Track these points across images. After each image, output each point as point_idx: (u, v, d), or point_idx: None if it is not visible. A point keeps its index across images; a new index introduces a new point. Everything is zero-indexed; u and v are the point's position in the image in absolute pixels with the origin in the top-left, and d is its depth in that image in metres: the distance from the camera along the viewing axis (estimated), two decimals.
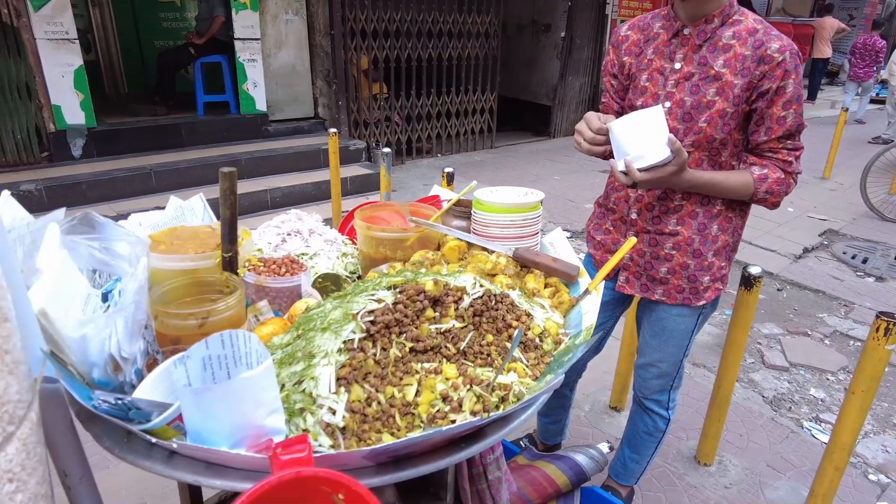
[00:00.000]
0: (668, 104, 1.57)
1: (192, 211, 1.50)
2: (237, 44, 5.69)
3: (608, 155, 1.52)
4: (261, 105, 6.01)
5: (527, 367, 1.07)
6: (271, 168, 5.57)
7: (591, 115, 1.54)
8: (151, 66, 6.62)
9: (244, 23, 5.67)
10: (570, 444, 2.53)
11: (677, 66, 1.56)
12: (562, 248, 1.51)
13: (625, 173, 1.44)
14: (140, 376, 1.01)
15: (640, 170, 1.41)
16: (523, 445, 2.39)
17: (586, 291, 1.30)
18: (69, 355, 0.94)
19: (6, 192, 1.19)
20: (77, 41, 4.82)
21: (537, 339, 1.15)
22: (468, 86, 7.62)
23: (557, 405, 2.28)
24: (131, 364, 0.99)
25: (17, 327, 0.77)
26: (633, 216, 1.71)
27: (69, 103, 4.87)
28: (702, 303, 1.72)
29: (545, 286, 1.37)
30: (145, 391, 0.92)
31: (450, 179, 2.88)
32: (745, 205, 1.69)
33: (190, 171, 5.08)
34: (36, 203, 4.36)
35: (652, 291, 1.75)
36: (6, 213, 1.16)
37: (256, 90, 5.93)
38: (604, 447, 2.24)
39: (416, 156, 7.50)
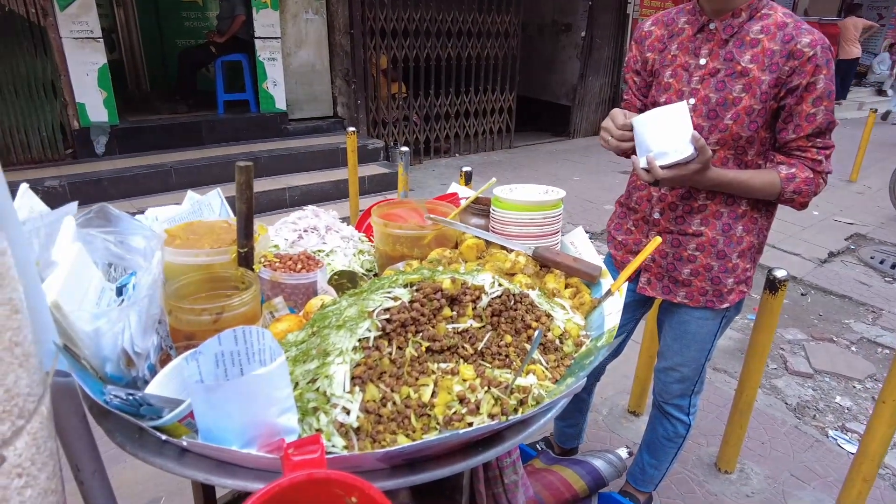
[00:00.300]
0: (692, 101, 1.53)
1: (209, 206, 1.49)
2: (257, 42, 5.73)
3: (632, 152, 1.48)
4: (280, 104, 6.04)
5: (546, 369, 1.04)
6: (290, 166, 5.60)
7: (616, 111, 1.51)
8: (173, 65, 6.70)
9: (264, 21, 5.70)
10: (588, 449, 2.49)
11: (702, 61, 1.52)
12: (583, 247, 1.47)
13: (647, 170, 1.41)
14: (153, 371, 0.99)
15: (662, 167, 1.38)
16: (540, 449, 2.36)
17: (609, 292, 1.26)
18: (82, 349, 0.93)
19: (24, 185, 1.19)
20: (101, 40, 4.88)
21: (557, 341, 1.11)
22: (487, 85, 7.58)
23: (575, 409, 2.24)
24: (144, 359, 0.98)
25: (29, 320, 0.75)
26: (656, 216, 1.66)
27: (93, 101, 4.94)
28: (725, 305, 1.67)
29: (565, 286, 1.33)
30: (157, 387, 0.91)
31: (468, 179, 2.85)
32: (772, 205, 1.64)
33: (209, 169, 5.12)
34: (59, 199, 4.41)
35: (674, 293, 1.71)
36: (24, 206, 1.16)
37: (276, 89, 5.96)
38: (623, 452, 2.19)
39: (434, 155, 7.49)
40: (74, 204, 1.07)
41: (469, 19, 7.07)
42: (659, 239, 1.36)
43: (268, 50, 5.80)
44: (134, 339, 0.96)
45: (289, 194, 5.26)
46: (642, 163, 1.41)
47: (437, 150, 7.53)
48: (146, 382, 0.96)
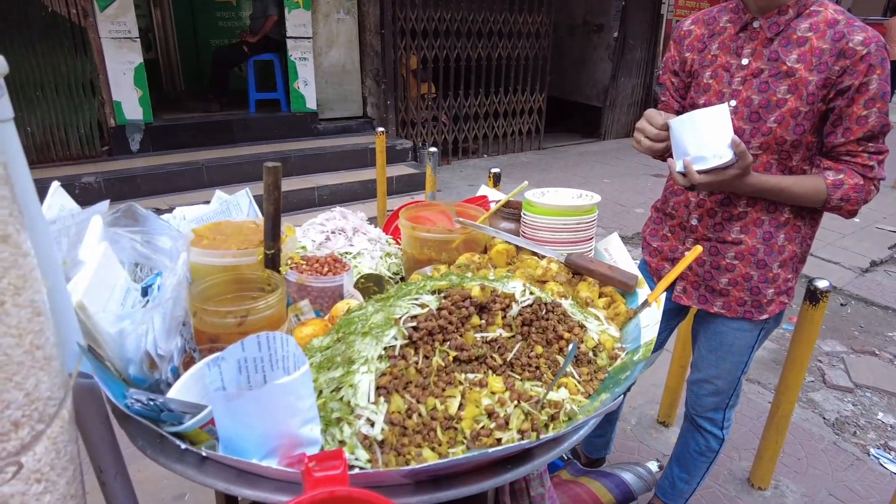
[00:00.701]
0: (733, 102, 1.47)
1: (237, 206, 1.48)
2: (289, 42, 5.77)
3: (667, 155, 1.43)
4: (311, 103, 6.08)
5: (579, 383, 0.99)
6: (319, 166, 5.62)
7: (652, 112, 1.45)
8: (207, 64, 6.80)
9: (296, 21, 5.74)
10: (615, 459, 2.43)
11: (745, 61, 1.45)
12: (618, 254, 1.42)
13: (683, 174, 1.35)
14: (176, 374, 0.98)
15: (699, 172, 1.32)
16: (566, 458, 2.30)
17: (645, 303, 1.21)
18: (106, 350, 0.92)
19: (56, 184, 1.19)
20: (138, 40, 4.98)
21: (591, 354, 1.07)
22: (517, 86, 7.52)
23: (604, 418, 2.18)
24: (168, 362, 0.97)
25: (52, 322, 0.74)
26: (694, 222, 1.60)
27: (129, 99, 5.03)
28: (764, 317, 1.60)
29: (599, 296, 1.28)
30: (179, 391, 0.89)
31: (496, 180, 2.81)
32: (817, 213, 1.56)
33: (240, 167, 5.17)
34: (95, 195, 4.52)
35: (711, 303, 1.64)
36: (55, 204, 1.16)
37: (307, 88, 5.99)
38: (653, 466, 2.13)
39: (462, 156, 7.45)
40: (106, 203, 1.06)
41: (500, 19, 7.01)
42: (699, 248, 1.30)
43: (299, 50, 5.83)
44: (157, 341, 0.94)
45: (317, 193, 5.28)
46: (679, 166, 1.36)
47: (466, 151, 7.50)
48: (169, 385, 0.95)
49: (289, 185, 5.12)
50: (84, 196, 4.42)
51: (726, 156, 1.29)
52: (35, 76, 4.61)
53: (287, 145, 5.78)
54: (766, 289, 1.57)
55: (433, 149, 3.67)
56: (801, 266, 1.63)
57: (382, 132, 4.18)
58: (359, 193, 5.47)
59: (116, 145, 5.12)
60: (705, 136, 1.29)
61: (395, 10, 6.17)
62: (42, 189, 1.08)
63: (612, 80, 8.45)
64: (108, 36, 4.83)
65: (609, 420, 2.20)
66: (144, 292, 1.05)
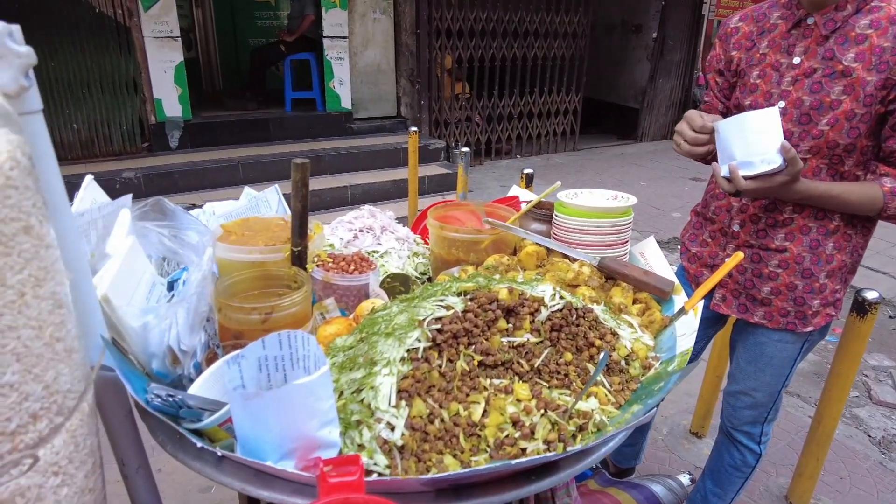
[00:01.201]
0: (782, 104, 1.39)
1: (266, 202, 1.48)
2: (325, 42, 5.82)
3: (710, 158, 1.36)
4: (346, 103, 6.12)
5: (610, 392, 0.95)
6: (353, 165, 5.66)
7: (692, 113, 1.39)
8: (246, 63, 6.92)
9: (333, 21, 5.79)
10: (645, 470, 2.36)
11: (796, 60, 1.38)
12: (654, 259, 1.36)
13: (728, 180, 1.29)
14: (199, 370, 0.97)
15: (745, 177, 1.25)
16: (595, 468, 2.24)
17: (682, 310, 1.15)
18: (130, 344, 0.92)
19: (89, 177, 1.21)
20: (179, 39, 5.09)
21: (623, 362, 1.02)
22: (552, 86, 7.43)
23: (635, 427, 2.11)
24: (191, 357, 0.96)
25: (74, 314, 0.74)
26: (736, 228, 1.53)
27: (169, 97, 5.15)
28: (809, 329, 1.52)
29: (633, 302, 1.23)
30: (201, 388, 0.88)
31: (529, 181, 2.76)
32: (870, 221, 1.47)
33: (275, 165, 5.24)
34: (133, 190, 4.61)
35: (751, 313, 1.57)
36: (87, 198, 1.17)
37: (342, 88, 6.04)
38: (684, 479, 2.05)
39: (494, 156, 7.40)
40: (128, 197, 1.07)
41: (536, 19, 6.95)
42: (741, 255, 1.24)
43: (335, 49, 5.88)
44: (181, 336, 0.94)
45: (350, 192, 5.31)
46: (724, 171, 1.29)
47: (499, 152, 7.45)
48: (191, 381, 0.94)
49: (322, 183, 5.16)
50: (124, 191, 4.51)
51: (775, 161, 1.22)
52: (83, 75, 4.77)
53: (321, 144, 5.83)
54: (811, 299, 1.49)
55: (465, 149, 3.64)
56: (851, 277, 1.54)
57: (415, 132, 4.17)
58: (391, 193, 5.48)
59: (156, 142, 5.24)
60: (754, 140, 1.23)
61: (431, 10, 6.16)
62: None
63: (650, 81, 8.29)
64: (151, 35, 4.95)
65: (640, 430, 2.13)
66: (170, 287, 1.05)
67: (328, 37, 5.82)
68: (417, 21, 6.17)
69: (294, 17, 6.06)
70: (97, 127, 4.95)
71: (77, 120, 4.86)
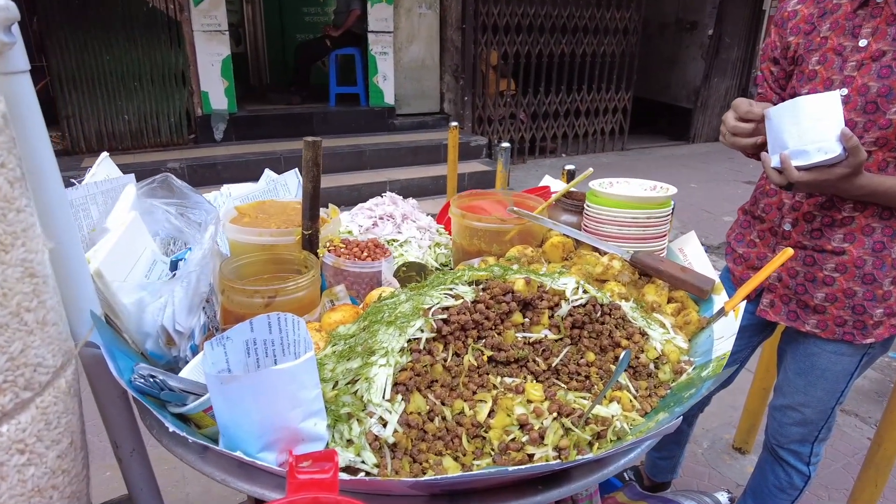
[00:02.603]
0: (844, 91, 1.26)
1: (285, 186, 1.44)
2: (370, 36, 5.82)
3: (758, 150, 1.24)
4: (389, 98, 6.11)
5: (635, 398, 0.85)
6: (393, 161, 5.64)
7: (740, 100, 1.28)
8: (292, 58, 7.01)
9: (378, 16, 5.78)
10: (682, 485, 2.21)
11: (862, 43, 1.24)
12: (694, 256, 1.24)
13: (779, 171, 1.16)
14: (196, 353, 0.93)
15: (799, 168, 1.13)
16: (627, 479, 2.12)
17: (721, 311, 1.04)
18: (124, 321, 0.88)
19: (104, 154, 1.19)
20: (227, 32, 5.18)
21: (652, 366, 0.92)
22: (601, 84, 7.23)
23: (671, 439, 1.98)
24: (187, 339, 0.92)
25: (54, 286, 0.70)
26: (787, 227, 1.40)
27: (215, 90, 5.25)
28: (869, 341, 1.37)
29: (669, 301, 1.12)
30: (192, 372, 0.84)
31: (570, 178, 2.65)
32: None
33: None
34: None
35: (803, 321, 1.43)
36: (100, 173, 1.15)
37: (386, 83, 6.03)
38: (722, 497, 1.91)
39: (538, 155, 7.26)
40: (132, 175, 1.04)
41: (586, 15, 6.77)
42: (790, 251, 1.11)
43: (380, 44, 5.87)
44: (177, 316, 0.89)
45: (389, 188, 5.28)
46: (774, 161, 1.17)
47: (543, 150, 7.29)
48: (187, 363, 0.90)
49: (361, 178, 5.16)
50: None
51: (833, 151, 1.09)
52: (135, 68, 4.92)
53: (363, 139, 5.83)
54: (872, 308, 1.34)
55: (505, 144, 3.54)
56: None
57: (455, 126, 4.10)
58: (429, 189, 5.42)
59: (202, 134, 5.35)
60: (809, 127, 1.11)
61: (478, 5, 6.08)
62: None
63: (704, 80, 7.96)
64: (200, 29, 5.05)
65: (677, 442, 2.00)
66: (174, 266, 1.01)
67: (373, 31, 5.81)
68: (463, 16, 6.10)
69: (340, 12, 6.09)
70: (147, 118, 5.09)
71: (128, 111, 5.01)
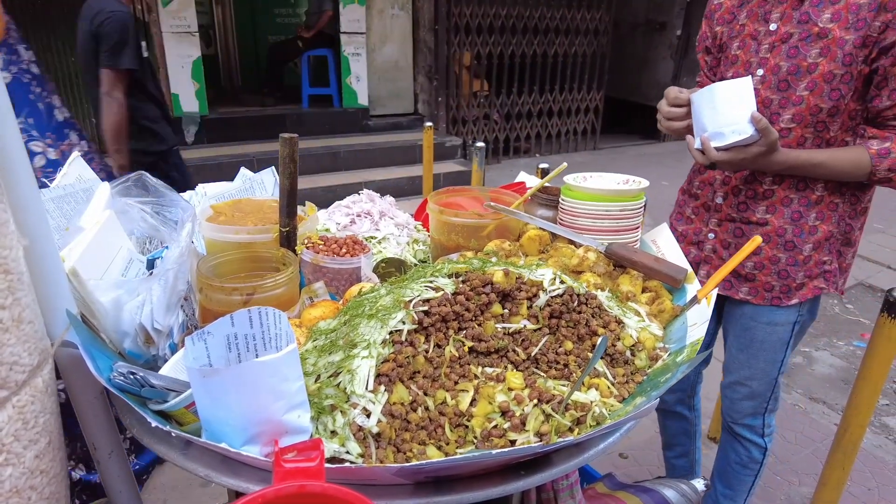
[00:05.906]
0: (760, 71, 1.37)
1: (261, 184, 1.43)
2: (343, 38, 5.80)
3: (690, 132, 1.34)
4: (363, 99, 6.09)
5: (612, 385, 0.87)
6: (368, 161, 5.62)
7: (671, 88, 1.41)
8: (264, 60, 6.94)
9: (351, 17, 5.76)
10: (661, 475, 2.25)
11: (773, 27, 1.36)
12: (667, 247, 1.28)
13: (702, 152, 1.28)
14: (175, 351, 0.92)
15: (717, 149, 1.25)
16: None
17: (694, 299, 1.07)
18: (101, 320, 0.86)
19: (76, 153, 1.17)
20: (197, 34, 5.11)
21: (628, 353, 0.94)
22: (573, 84, 7.32)
23: (679, 430, 2.02)
24: (166, 337, 0.91)
25: (27, 284, 0.69)
26: (719, 200, 1.52)
27: (186, 92, 5.17)
28: (794, 301, 1.47)
29: (643, 290, 1.15)
30: (172, 370, 0.83)
31: (544, 175, 2.68)
32: (861, 188, 1.42)
33: None
34: None
35: (736, 289, 1.53)
36: (72, 173, 1.13)
37: (359, 84, 6.01)
38: (699, 484, 1.95)
39: (513, 155, 7.31)
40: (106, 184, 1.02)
41: (557, 16, 6.85)
42: (759, 238, 1.16)
43: (353, 45, 5.85)
44: (155, 314, 0.89)
45: (364, 189, 5.27)
46: (696, 143, 1.30)
47: (518, 150, 7.35)
48: (167, 362, 0.89)
49: (337, 179, 5.14)
50: None
51: (746, 132, 1.21)
52: None
53: (337, 140, 5.81)
54: (795, 272, 1.45)
55: (480, 144, 3.57)
56: (848, 249, 1.50)
57: (430, 127, 4.11)
58: (405, 189, 5.43)
59: None
60: (724, 111, 1.22)
61: (450, 6, 6.11)
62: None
63: (673, 79, 8.11)
64: (170, 30, 4.97)
65: (686, 434, 2.04)
66: (150, 265, 1.00)
67: (346, 32, 5.79)
68: (436, 17, 6.12)
69: (312, 13, 6.06)
70: None
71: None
